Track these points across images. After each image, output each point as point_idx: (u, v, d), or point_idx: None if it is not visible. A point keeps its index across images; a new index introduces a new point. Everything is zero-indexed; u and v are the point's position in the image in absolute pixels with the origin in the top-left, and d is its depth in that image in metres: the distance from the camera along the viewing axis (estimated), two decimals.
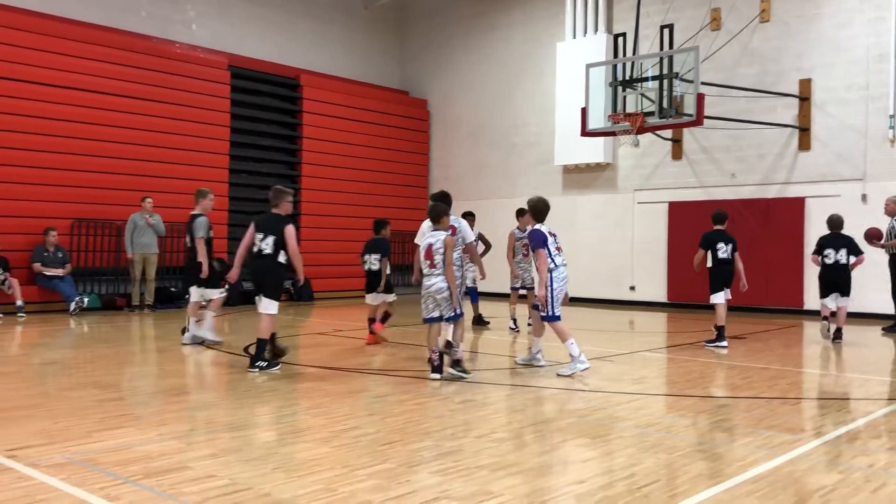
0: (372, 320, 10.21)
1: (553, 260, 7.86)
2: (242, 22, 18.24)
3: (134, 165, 15.23)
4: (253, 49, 18.24)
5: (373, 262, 10.13)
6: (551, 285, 7.84)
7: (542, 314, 7.94)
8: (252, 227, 8.19)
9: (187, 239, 10.13)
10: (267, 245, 7.93)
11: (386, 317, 10.27)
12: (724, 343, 10.08)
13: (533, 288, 10.86)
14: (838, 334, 10.74)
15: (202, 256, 9.84)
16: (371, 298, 10.22)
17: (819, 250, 10.78)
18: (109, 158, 14.91)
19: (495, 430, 5.40)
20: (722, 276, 10.27)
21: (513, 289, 11.74)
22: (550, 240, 7.94)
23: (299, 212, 18.47)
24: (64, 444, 4.77)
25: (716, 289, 10.29)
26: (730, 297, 10.46)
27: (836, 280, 10.66)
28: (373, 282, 10.16)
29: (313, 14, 19.71)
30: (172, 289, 15.20)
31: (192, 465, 4.35)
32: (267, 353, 7.97)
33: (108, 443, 4.88)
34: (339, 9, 20.37)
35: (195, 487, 3.94)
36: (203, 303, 9.97)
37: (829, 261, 10.66)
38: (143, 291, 14.45)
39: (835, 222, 10.84)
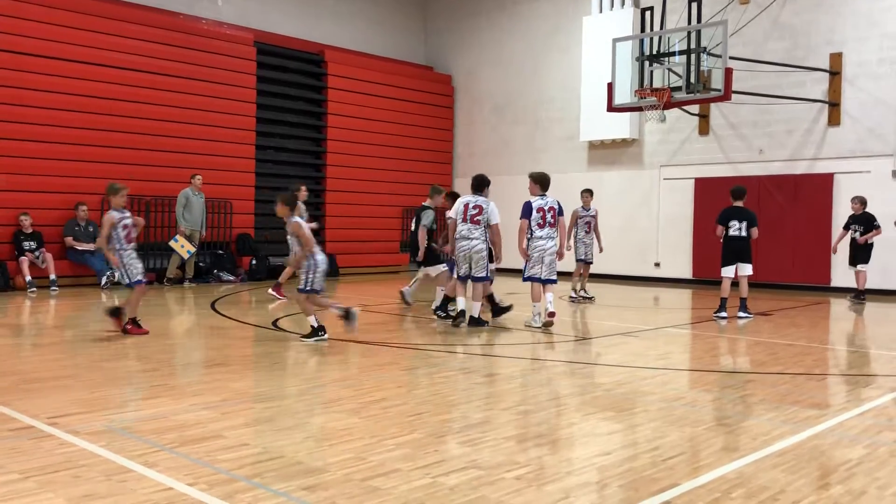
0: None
1: (531, 230, 9.11)
2: None
3: (162, 142, 15.39)
4: (278, 25, 18.27)
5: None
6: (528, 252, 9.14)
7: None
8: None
9: (413, 224, 10.94)
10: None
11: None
12: (724, 314, 10.57)
13: (591, 262, 12.92)
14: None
15: (422, 242, 10.51)
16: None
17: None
18: (136, 135, 15.07)
19: (521, 403, 5.48)
20: (731, 251, 10.73)
21: (578, 260, 12.82)
22: (536, 215, 9.11)
23: (324, 188, 18.58)
24: (102, 413, 4.91)
25: (724, 262, 10.82)
26: (749, 273, 10.68)
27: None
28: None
29: None
30: (201, 264, 15.41)
31: (225, 434, 4.48)
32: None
33: (144, 412, 5.02)
34: None
35: (229, 455, 4.06)
36: (432, 276, 10.78)
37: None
38: (184, 266, 14.73)
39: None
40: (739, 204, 10.78)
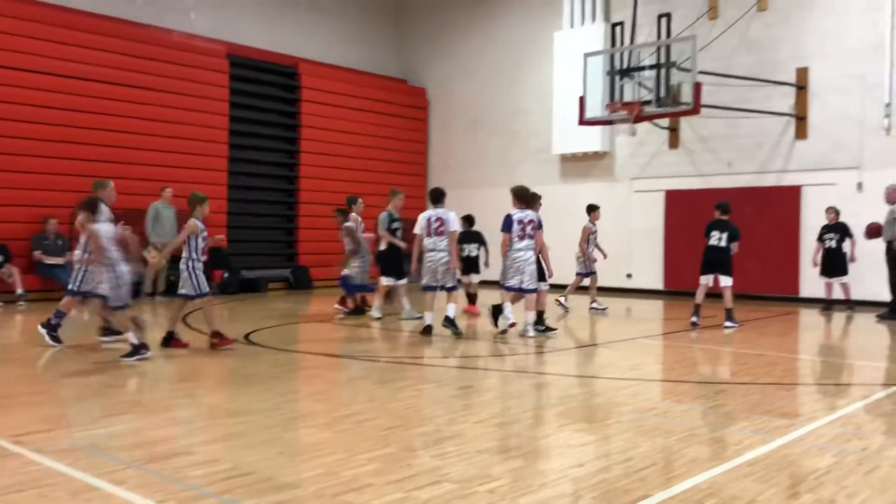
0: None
1: (512, 243, 9.44)
2: (240, 10, 18.20)
3: (132, 154, 15.22)
4: (251, 37, 18.20)
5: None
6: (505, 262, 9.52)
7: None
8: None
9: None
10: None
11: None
12: (694, 320, 10.84)
13: (594, 273, 13.33)
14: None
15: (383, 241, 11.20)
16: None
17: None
18: (108, 147, 14.89)
19: (495, 416, 5.48)
20: (708, 260, 11.03)
21: (592, 273, 13.22)
22: (516, 227, 9.43)
23: (298, 200, 18.50)
24: (69, 430, 4.83)
25: (701, 271, 11.10)
26: (729, 284, 10.91)
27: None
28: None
29: (311, 2, 19.67)
30: (171, 278, 15.22)
31: (195, 449, 4.42)
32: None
33: (112, 428, 4.95)
34: None
35: (199, 471, 4.01)
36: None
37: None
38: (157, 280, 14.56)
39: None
40: (724, 217, 11.08)
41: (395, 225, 11.38)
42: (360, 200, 12.31)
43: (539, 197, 10.05)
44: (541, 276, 9.91)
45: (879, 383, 7.15)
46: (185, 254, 8.31)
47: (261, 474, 3.98)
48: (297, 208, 18.49)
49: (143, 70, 15.50)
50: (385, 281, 11.30)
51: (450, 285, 9.70)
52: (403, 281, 11.42)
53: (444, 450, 4.49)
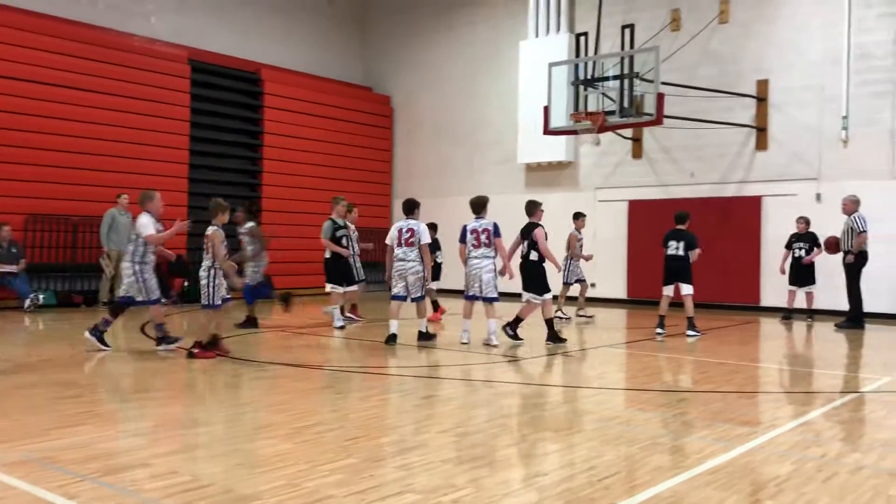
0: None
1: (468, 251, 9.67)
2: (202, 15, 18.01)
3: (90, 160, 14.96)
4: (213, 43, 18.02)
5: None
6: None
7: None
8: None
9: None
10: (524, 248, 9.62)
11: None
12: (660, 331, 10.95)
13: (584, 281, 13.33)
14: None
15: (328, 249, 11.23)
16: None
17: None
18: (65, 153, 14.62)
19: (459, 425, 5.44)
20: (669, 270, 11.19)
21: (579, 281, 13.21)
22: (470, 237, 9.64)
23: (260, 208, 18.30)
24: (21, 442, 4.69)
25: (663, 282, 11.25)
26: (690, 292, 11.02)
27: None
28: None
29: (275, 8, 19.54)
30: None
31: (152, 461, 4.31)
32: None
33: (66, 440, 4.80)
34: (301, 4, 20.22)
35: (156, 484, 3.91)
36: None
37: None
38: (113, 288, 14.26)
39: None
40: (681, 227, 11.19)
41: (340, 233, 11.43)
42: (344, 202, 12.03)
43: (539, 204, 10.16)
44: (545, 287, 9.94)
45: (838, 391, 7.26)
46: (206, 262, 8.33)
47: (220, 486, 3.89)
48: (259, 216, 18.26)
49: (103, 74, 15.25)
50: (330, 288, 11.34)
51: (416, 295, 9.72)
52: (353, 288, 11.52)
53: (407, 460, 4.44)
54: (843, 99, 14.47)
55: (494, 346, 9.46)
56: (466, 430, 5.29)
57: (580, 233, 13.31)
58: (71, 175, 14.69)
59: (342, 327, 11.23)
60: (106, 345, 8.74)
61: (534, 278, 9.70)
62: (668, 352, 9.68)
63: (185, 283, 15.83)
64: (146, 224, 8.62)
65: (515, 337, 9.79)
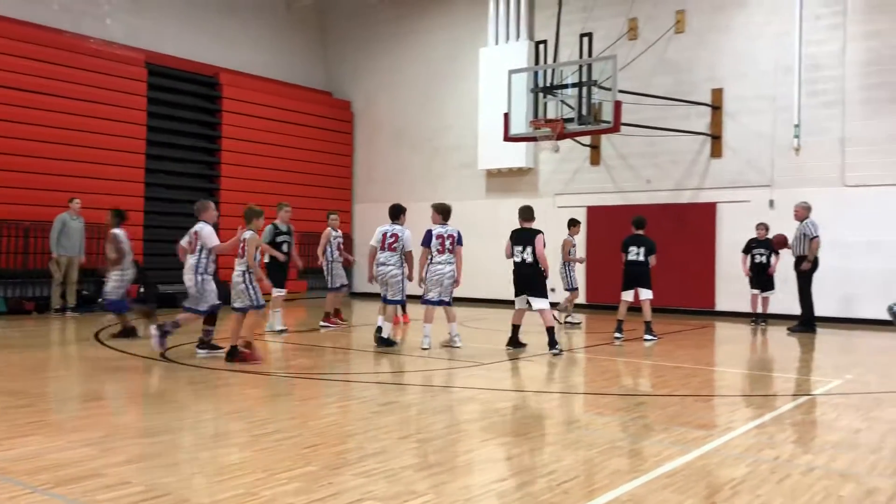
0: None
1: (431, 256, 9.79)
2: (159, 18, 17.76)
3: (43, 164, 14.64)
4: (171, 46, 17.78)
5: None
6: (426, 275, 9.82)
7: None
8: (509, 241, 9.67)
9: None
10: (528, 254, 9.41)
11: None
12: (618, 335, 11.05)
13: (577, 289, 13.34)
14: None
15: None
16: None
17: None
18: (16, 156, 14.29)
19: (419, 431, 5.43)
20: (629, 275, 11.27)
21: (573, 289, 13.21)
22: (435, 242, 9.80)
23: (219, 213, 18.06)
24: None
25: (623, 287, 11.34)
26: (649, 297, 11.21)
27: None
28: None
29: (234, 12, 19.36)
30: (85, 292, 14.66)
31: (106, 472, 4.22)
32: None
33: (16, 451, 4.68)
34: (260, 8, 20.07)
35: (109, 495, 3.83)
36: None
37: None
38: (65, 294, 13.97)
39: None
40: (640, 232, 11.32)
41: (281, 238, 11.51)
42: (288, 208, 12.10)
43: (531, 210, 9.99)
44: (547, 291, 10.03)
45: (790, 394, 7.41)
46: (240, 266, 8.49)
47: (176, 496, 3.82)
48: (217, 221, 18.04)
49: (56, 77, 14.96)
50: (275, 293, 11.34)
51: (390, 298, 9.84)
52: (283, 292, 11.53)
53: (366, 467, 4.41)
54: (795, 108, 14.82)
55: (457, 347, 9.62)
56: (426, 437, 5.28)
57: (574, 239, 13.34)
58: (22, 179, 14.36)
59: (283, 331, 11.41)
60: (217, 347, 8.93)
61: (540, 283, 9.54)
62: (626, 356, 9.79)
63: (141, 289, 15.55)
64: (211, 234, 8.85)
65: (555, 345, 9.53)
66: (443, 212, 9.98)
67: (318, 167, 20.16)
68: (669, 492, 4.04)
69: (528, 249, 9.46)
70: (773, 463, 4.68)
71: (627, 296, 11.28)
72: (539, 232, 9.65)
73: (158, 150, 16.96)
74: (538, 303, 9.49)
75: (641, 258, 11.13)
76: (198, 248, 8.76)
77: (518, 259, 9.56)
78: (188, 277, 8.78)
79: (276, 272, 11.29)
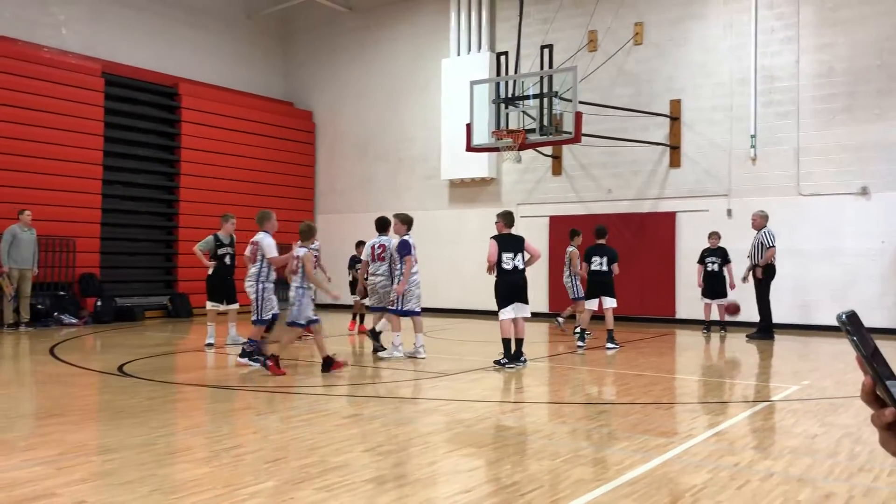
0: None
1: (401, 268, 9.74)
2: (117, 28, 17.51)
3: None
4: (128, 56, 17.53)
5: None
6: (410, 287, 9.79)
7: (394, 308, 9.78)
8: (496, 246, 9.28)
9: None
10: (519, 261, 9.24)
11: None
12: (581, 343, 11.17)
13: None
14: (582, 335, 11.38)
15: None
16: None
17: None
18: None
19: (382, 444, 5.39)
20: (594, 285, 11.37)
21: (581, 298, 12.50)
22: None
23: (177, 224, 17.86)
24: None
25: (588, 296, 11.50)
26: (613, 306, 11.36)
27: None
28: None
29: (193, 22, 19.17)
30: (40, 306, 14.34)
31: (60, 491, 4.12)
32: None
33: None
34: (220, 17, 19.90)
35: None
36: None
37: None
38: (19, 308, 13.64)
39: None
40: (602, 241, 11.47)
41: (222, 250, 11.36)
42: (233, 219, 11.91)
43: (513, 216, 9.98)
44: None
45: (749, 400, 7.51)
46: (296, 282, 8.56)
47: None
48: (176, 233, 17.84)
49: (10, 87, 14.66)
50: (210, 306, 11.25)
51: (390, 308, 9.93)
52: (234, 306, 11.40)
53: (328, 481, 4.36)
54: (752, 118, 15.10)
55: (421, 358, 9.63)
56: (390, 449, 5.25)
57: (577, 249, 13.15)
58: None
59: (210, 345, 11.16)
60: (261, 358, 8.88)
61: (525, 290, 9.40)
62: (589, 365, 9.84)
63: (98, 303, 15.28)
64: (272, 245, 9.01)
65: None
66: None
67: (279, 178, 20.01)
68: (632, 500, 4.06)
69: (520, 256, 9.31)
70: (733, 469, 4.73)
71: (592, 304, 11.38)
72: (524, 237, 9.70)
73: (116, 161, 16.69)
74: (526, 310, 9.38)
75: (605, 268, 11.27)
76: (259, 257, 9.01)
77: (509, 266, 9.24)
78: (250, 285, 9.05)
79: (214, 284, 11.21)
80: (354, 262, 13.94)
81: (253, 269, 9.05)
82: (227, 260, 11.34)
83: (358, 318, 13.73)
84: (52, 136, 15.25)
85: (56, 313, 14.54)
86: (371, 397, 7.43)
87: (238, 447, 5.17)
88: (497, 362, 9.26)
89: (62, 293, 14.87)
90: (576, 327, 12.66)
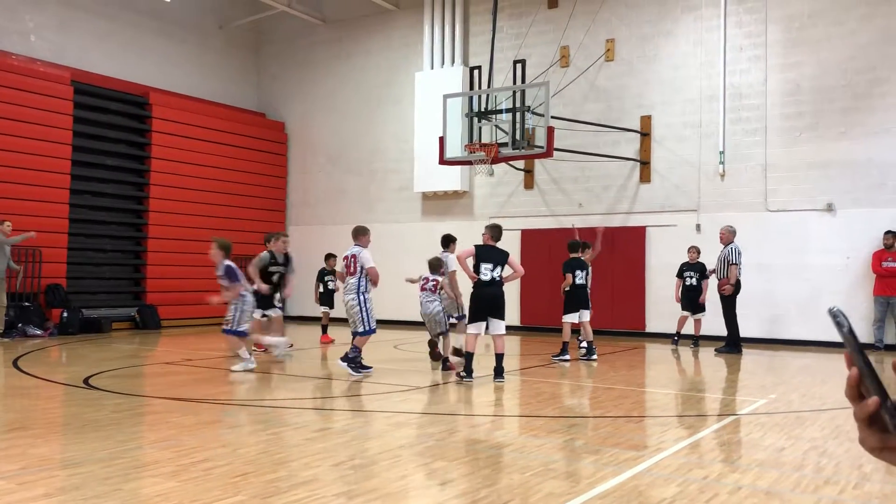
0: None
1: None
2: (86, 36, 17.33)
3: None
4: (98, 65, 17.35)
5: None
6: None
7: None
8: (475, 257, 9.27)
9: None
10: (498, 273, 9.20)
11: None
12: (568, 357, 11.27)
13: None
14: (590, 349, 11.53)
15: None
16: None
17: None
18: None
19: (353, 457, 5.35)
20: (577, 298, 11.48)
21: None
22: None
23: (146, 235, 17.66)
24: None
25: (570, 309, 11.50)
26: (586, 319, 11.59)
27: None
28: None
29: (164, 31, 19.03)
30: (4, 317, 14.06)
31: None
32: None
33: None
34: (192, 27, 19.79)
35: None
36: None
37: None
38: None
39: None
40: (578, 255, 11.63)
41: (273, 268, 11.38)
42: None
43: (501, 230, 9.93)
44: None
45: (718, 413, 7.58)
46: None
47: None
48: (145, 244, 17.63)
49: None
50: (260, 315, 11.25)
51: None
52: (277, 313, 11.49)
53: (297, 496, 4.32)
54: (720, 135, 15.32)
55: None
56: (360, 463, 5.21)
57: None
58: None
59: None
60: (366, 367, 9.46)
61: (501, 305, 9.23)
62: (560, 378, 9.87)
63: (65, 314, 15.03)
64: (370, 256, 9.49)
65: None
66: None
67: (251, 189, 19.88)
68: None
69: (499, 269, 9.16)
70: (702, 482, 4.76)
71: (574, 318, 11.49)
72: (509, 253, 9.59)
73: (84, 170, 16.47)
74: (501, 327, 9.22)
75: (585, 281, 11.48)
76: (358, 268, 9.37)
77: (487, 277, 9.07)
78: (351, 297, 9.39)
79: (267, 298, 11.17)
80: (324, 274, 14.01)
81: (353, 281, 9.37)
82: (275, 279, 11.27)
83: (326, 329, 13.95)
84: (20, 145, 15.02)
85: (20, 324, 14.28)
86: (341, 410, 7.38)
87: (206, 461, 5.11)
88: (458, 375, 9.23)
89: (27, 304, 14.60)
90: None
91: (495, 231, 9.62)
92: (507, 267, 9.42)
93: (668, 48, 16.04)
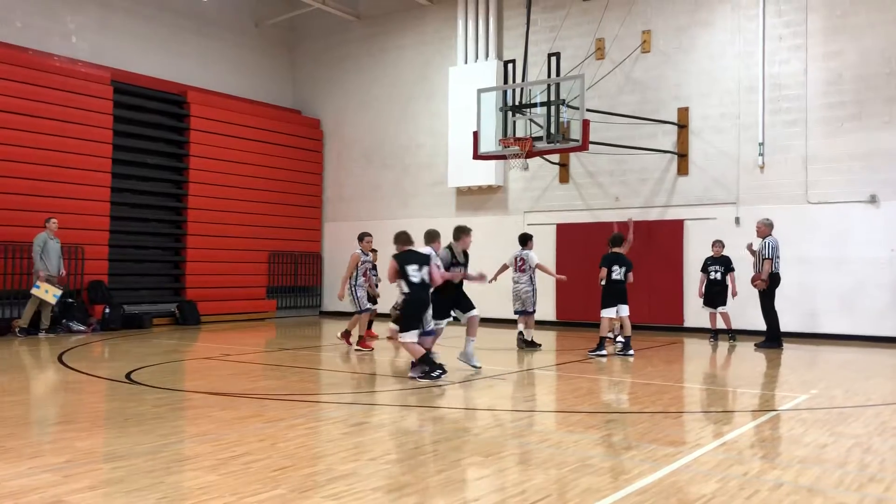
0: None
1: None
2: (126, 36, 17.62)
3: (8, 183, 14.40)
4: (137, 64, 17.64)
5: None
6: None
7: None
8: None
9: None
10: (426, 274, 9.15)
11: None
12: (605, 352, 11.25)
13: None
14: (628, 344, 11.45)
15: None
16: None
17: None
18: None
19: (389, 452, 5.38)
20: (614, 293, 11.44)
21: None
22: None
23: (185, 232, 17.92)
24: None
25: (606, 304, 11.48)
26: (625, 314, 11.52)
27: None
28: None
29: (201, 31, 19.27)
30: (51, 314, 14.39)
31: (67, 498, 4.12)
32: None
33: None
34: (228, 26, 20.00)
35: None
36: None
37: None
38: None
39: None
40: (618, 250, 11.59)
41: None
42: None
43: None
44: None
45: (758, 409, 7.47)
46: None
47: None
48: (184, 240, 17.90)
49: (22, 95, 14.77)
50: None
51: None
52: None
53: (336, 489, 4.36)
54: (759, 126, 15.07)
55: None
56: (396, 457, 5.24)
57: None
58: None
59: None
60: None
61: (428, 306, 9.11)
62: (596, 373, 9.81)
63: (107, 310, 15.33)
64: (535, 256, 11.84)
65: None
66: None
67: (287, 185, 20.07)
68: None
69: (426, 269, 8.91)
70: (742, 479, 4.70)
71: (611, 312, 11.47)
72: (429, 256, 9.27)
73: (124, 168, 16.78)
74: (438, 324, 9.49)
75: (622, 276, 11.44)
76: (527, 267, 12.06)
77: (416, 279, 8.84)
78: (528, 289, 12.20)
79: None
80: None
81: (526, 276, 12.12)
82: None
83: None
84: (62, 144, 15.34)
85: (65, 320, 14.59)
86: (378, 405, 7.42)
87: (245, 455, 5.17)
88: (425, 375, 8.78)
89: (71, 300, 14.90)
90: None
91: (401, 237, 9.24)
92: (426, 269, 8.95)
93: (705, 38, 15.82)
